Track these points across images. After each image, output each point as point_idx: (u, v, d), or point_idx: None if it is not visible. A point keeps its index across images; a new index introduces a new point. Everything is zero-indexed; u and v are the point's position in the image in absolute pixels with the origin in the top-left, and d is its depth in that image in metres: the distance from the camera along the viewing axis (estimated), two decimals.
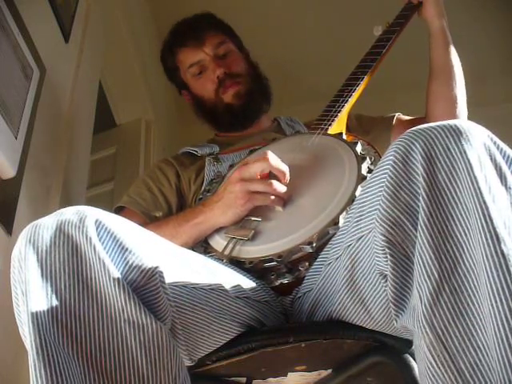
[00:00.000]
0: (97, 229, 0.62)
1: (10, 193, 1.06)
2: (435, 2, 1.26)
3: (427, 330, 0.57)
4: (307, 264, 0.87)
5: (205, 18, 1.41)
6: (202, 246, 0.99)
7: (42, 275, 0.61)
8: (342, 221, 0.86)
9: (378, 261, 0.67)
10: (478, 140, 0.61)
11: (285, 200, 0.96)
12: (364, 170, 0.94)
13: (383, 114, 1.36)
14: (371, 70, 1.20)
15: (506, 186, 0.59)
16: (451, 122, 0.63)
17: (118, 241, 0.63)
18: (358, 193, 0.88)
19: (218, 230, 0.99)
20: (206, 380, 0.83)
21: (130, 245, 0.63)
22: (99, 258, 0.61)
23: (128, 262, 0.62)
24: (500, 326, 0.52)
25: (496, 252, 0.54)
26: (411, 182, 0.62)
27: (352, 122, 1.32)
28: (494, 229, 0.55)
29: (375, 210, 0.67)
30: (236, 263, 0.91)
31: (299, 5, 2.59)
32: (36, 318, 0.59)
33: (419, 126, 0.64)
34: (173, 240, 0.85)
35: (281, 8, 2.58)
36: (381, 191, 0.66)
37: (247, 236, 0.92)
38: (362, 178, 0.92)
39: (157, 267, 0.63)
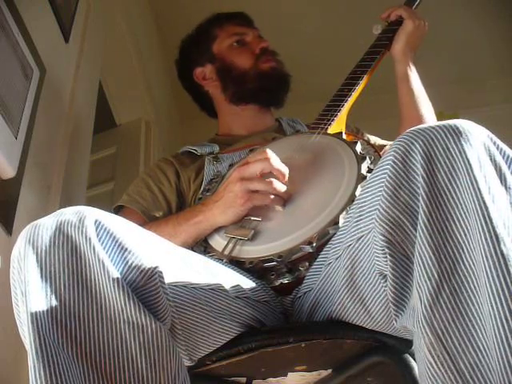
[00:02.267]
0: (96, 229, 0.62)
1: (9, 193, 1.06)
2: (406, 38, 1.23)
3: (427, 330, 0.57)
4: (307, 264, 0.87)
5: None
6: (201, 245, 0.99)
7: (42, 275, 0.61)
8: (341, 221, 0.86)
9: (378, 261, 0.67)
10: (478, 140, 0.61)
11: (285, 199, 0.96)
12: (364, 170, 0.93)
13: (381, 136, 1.34)
14: (371, 69, 1.20)
15: (505, 186, 0.59)
16: (451, 121, 0.63)
17: (117, 241, 0.63)
18: (357, 192, 0.88)
19: (217, 230, 0.99)
20: (206, 380, 0.83)
21: (130, 245, 0.63)
22: (99, 259, 0.60)
23: (127, 262, 0.62)
24: (500, 327, 0.52)
25: (496, 252, 0.54)
26: (411, 181, 0.62)
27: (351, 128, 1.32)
28: (494, 229, 0.55)
29: (375, 209, 0.67)
30: (236, 263, 0.91)
31: (299, 5, 2.59)
32: (35, 318, 0.59)
33: (419, 126, 0.64)
34: (172, 239, 0.85)
35: (281, 8, 2.59)
36: (380, 191, 0.66)
37: (247, 236, 0.92)
38: (361, 178, 0.91)
39: (156, 267, 0.63)
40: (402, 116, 1.22)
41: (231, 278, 0.84)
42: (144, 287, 0.62)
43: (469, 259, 0.57)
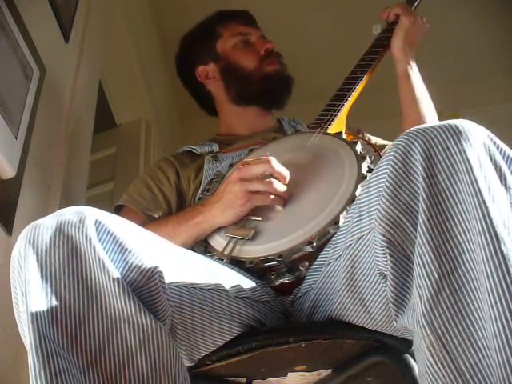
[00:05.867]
0: (96, 229, 0.62)
1: (9, 193, 1.06)
2: (403, 35, 1.22)
3: (427, 330, 0.57)
4: (307, 263, 0.87)
5: None
6: (202, 245, 0.99)
7: (42, 275, 0.61)
8: (342, 220, 0.86)
9: (378, 261, 0.67)
10: (478, 140, 0.61)
11: (285, 199, 0.96)
12: (364, 170, 0.94)
13: (381, 136, 1.33)
14: (371, 68, 1.20)
15: (505, 185, 0.59)
16: (451, 121, 0.63)
17: (117, 241, 0.63)
18: (358, 192, 0.88)
19: (218, 230, 0.99)
20: (206, 380, 0.83)
21: (130, 245, 0.63)
22: (99, 259, 0.61)
23: (128, 262, 0.62)
24: (500, 327, 0.52)
25: (496, 252, 0.54)
26: (411, 181, 0.62)
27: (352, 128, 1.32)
28: (494, 229, 0.55)
29: (375, 209, 0.67)
30: (236, 263, 0.91)
31: (299, 5, 2.59)
32: (36, 318, 0.59)
33: (419, 126, 0.64)
34: (172, 240, 0.85)
35: (281, 8, 2.59)
36: (380, 191, 0.66)
37: (247, 236, 0.92)
38: (361, 178, 0.92)
39: (156, 267, 0.63)
40: (403, 116, 1.21)
41: (231, 278, 0.84)
42: (144, 287, 0.62)
43: (469, 259, 0.57)
